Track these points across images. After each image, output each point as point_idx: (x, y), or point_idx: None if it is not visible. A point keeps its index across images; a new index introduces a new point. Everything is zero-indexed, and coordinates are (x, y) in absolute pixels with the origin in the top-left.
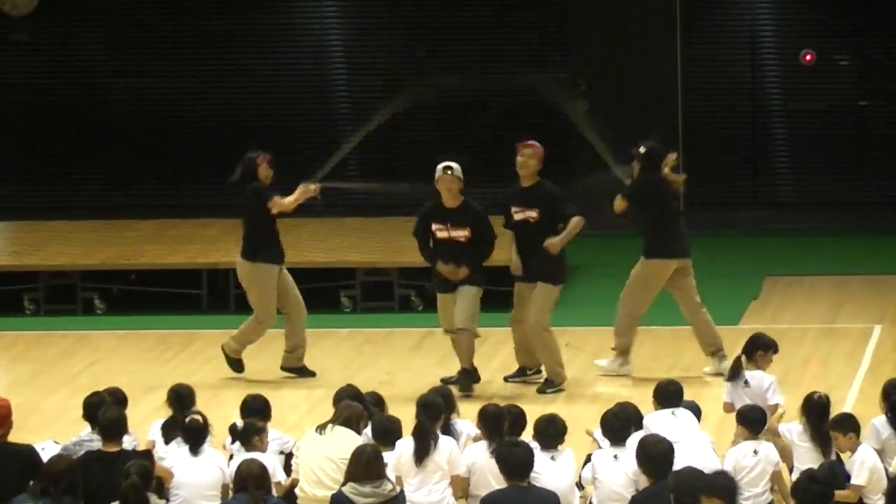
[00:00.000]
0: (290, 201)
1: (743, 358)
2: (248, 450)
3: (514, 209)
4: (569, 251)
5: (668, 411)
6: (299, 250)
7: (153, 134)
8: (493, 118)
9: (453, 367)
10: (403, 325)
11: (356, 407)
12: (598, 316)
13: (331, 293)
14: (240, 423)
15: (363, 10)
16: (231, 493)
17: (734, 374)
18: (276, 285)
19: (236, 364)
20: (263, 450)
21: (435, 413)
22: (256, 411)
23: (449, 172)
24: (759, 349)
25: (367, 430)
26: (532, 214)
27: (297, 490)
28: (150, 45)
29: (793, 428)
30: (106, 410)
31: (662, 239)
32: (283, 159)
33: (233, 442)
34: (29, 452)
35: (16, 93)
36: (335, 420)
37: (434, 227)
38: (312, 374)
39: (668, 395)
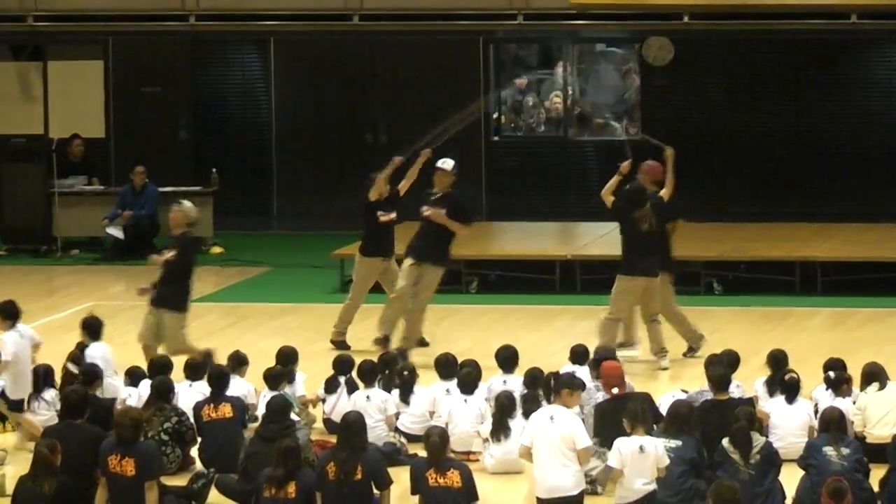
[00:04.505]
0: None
1: None
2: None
3: None
4: None
5: None
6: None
7: (754, 160)
8: None
9: None
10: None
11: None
12: None
13: None
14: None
15: None
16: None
17: None
18: None
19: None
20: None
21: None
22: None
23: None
24: None
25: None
26: None
27: (864, 432)
28: (755, 89)
29: None
30: (717, 368)
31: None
32: (855, 186)
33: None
34: (644, 398)
35: (658, 126)
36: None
37: None
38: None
39: None
